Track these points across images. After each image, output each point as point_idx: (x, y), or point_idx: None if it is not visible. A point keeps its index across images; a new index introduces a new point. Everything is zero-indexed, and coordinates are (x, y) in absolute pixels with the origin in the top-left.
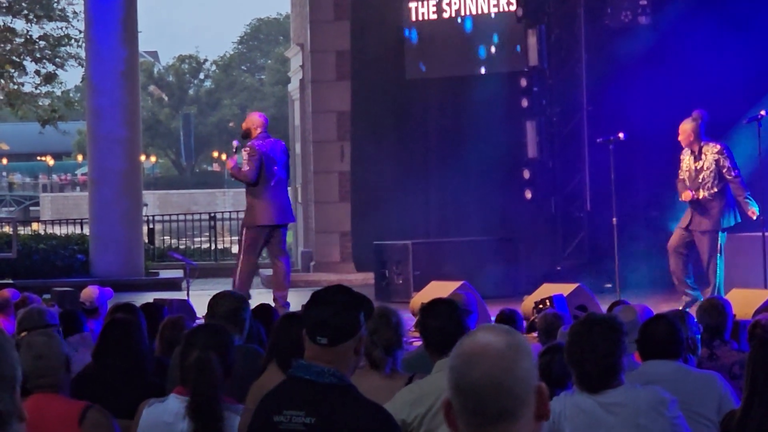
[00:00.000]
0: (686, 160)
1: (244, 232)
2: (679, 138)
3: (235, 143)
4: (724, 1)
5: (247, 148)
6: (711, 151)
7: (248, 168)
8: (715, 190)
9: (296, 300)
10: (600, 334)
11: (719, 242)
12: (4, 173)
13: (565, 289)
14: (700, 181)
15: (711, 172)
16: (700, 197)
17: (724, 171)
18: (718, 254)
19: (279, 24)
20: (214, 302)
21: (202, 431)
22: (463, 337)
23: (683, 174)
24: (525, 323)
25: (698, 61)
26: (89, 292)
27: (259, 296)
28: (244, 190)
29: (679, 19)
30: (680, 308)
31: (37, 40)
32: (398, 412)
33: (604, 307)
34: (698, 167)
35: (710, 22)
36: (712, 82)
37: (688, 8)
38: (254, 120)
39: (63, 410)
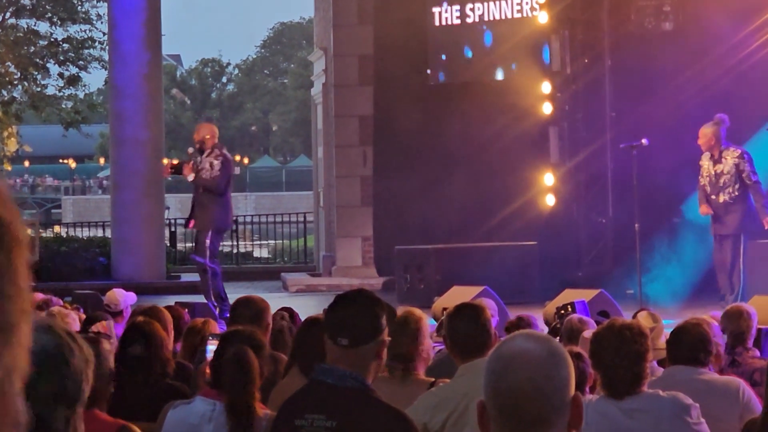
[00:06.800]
0: (706, 165)
1: (209, 236)
2: (699, 142)
3: (190, 150)
4: (748, 6)
5: (221, 157)
6: (731, 156)
7: (219, 176)
8: (737, 194)
9: (318, 304)
10: (629, 341)
11: (742, 249)
12: (27, 175)
13: (587, 294)
14: (720, 185)
15: (731, 176)
16: (721, 201)
17: (744, 175)
18: (740, 259)
19: (302, 28)
20: (237, 307)
21: (237, 430)
22: (502, 341)
23: (703, 180)
24: (546, 329)
25: (721, 67)
26: (114, 295)
27: (280, 300)
28: (266, 194)
29: (703, 24)
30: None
31: (61, 43)
32: (420, 416)
33: (626, 313)
34: (718, 171)
35: (734, 26)
36: (736, 89)
37: (712, 14)
38: (207, 131)
39: (98, 429)
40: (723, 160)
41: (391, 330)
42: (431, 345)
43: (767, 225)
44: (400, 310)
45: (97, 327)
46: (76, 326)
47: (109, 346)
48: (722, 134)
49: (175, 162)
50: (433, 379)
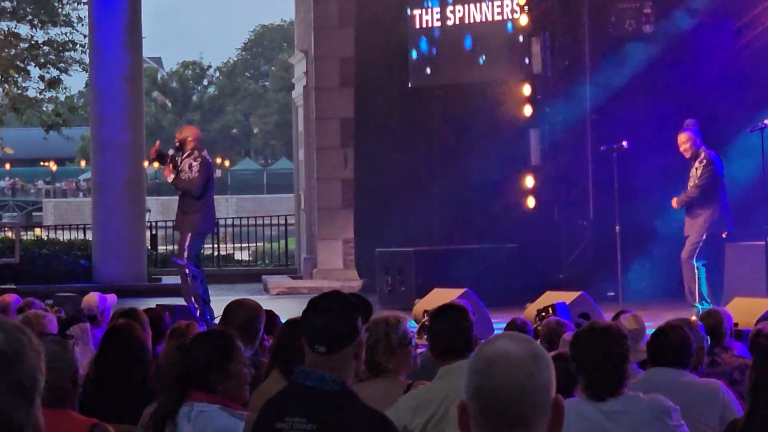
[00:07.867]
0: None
1: (188, 239)
2: (681, 150)
3: (170, 152)
4: (728, 10)
5: (199, 159)
6: (699, 158)
7: (197, 178)
8: (701, 197)
9: (299, 307)
10: (610, 343)
11: (698, 248)
12: (8, 178)
13: (568, 297)
14: (688, 187)
15: (695, 179)
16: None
17: (697, 178)
18: (695, 260)
19: (283, 30)
20: (230, 310)
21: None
22: (484, 342)
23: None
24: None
25: (702, 70)
26: (90, 300)
27: (261, 302)
28: (247, 196)
29: (683, 27)
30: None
31: (42, 45)
32: (401, 418)
33: (606, 315)
34: (691, 174)
35: (715, 30)
36: (717, 91)
37: (692, 17)
38: (190, 133)
39: (70, 429)
40: (696, 162)
41: (374, 333)
42: (412, 351)
43: (674, 203)
44: (384, 315)
45: (75, 330)
46: (53, 328)
47: (77, 348)
48: (697, 136)
49: (162, 151)
50: (411, 381)
